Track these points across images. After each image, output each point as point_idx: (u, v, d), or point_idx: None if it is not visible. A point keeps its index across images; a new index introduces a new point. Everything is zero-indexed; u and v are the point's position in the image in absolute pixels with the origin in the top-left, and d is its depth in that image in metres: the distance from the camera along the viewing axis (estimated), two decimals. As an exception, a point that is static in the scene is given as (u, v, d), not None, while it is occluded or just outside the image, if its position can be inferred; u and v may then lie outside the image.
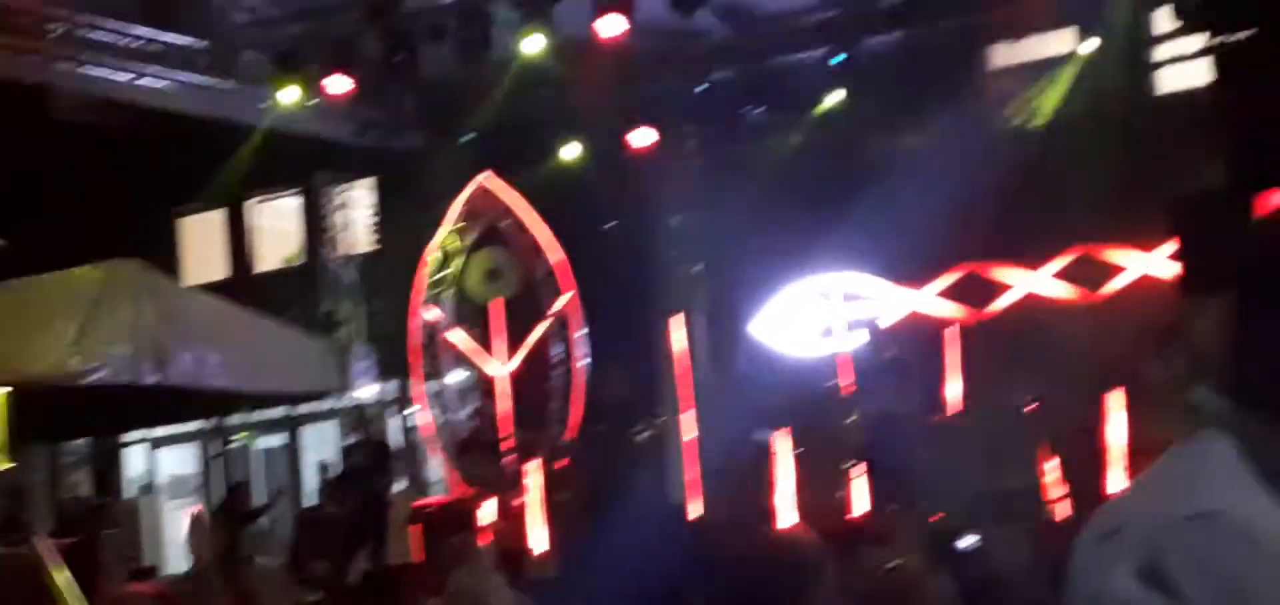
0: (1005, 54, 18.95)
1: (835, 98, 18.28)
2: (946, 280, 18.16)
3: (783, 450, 14.16)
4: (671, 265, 19.85)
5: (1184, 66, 17.67)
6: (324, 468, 20.06)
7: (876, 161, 18.59)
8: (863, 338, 15.69)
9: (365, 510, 16.10)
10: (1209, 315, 13.81)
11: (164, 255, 23.81)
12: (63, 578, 13.74)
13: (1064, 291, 17.79)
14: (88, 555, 15.62)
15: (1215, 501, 2.10)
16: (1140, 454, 13.75)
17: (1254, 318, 2.17)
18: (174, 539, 23.88)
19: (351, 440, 17.85)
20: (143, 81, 17.73)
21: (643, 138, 18.80)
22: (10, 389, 15.61)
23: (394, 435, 22.15)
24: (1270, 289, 2.16)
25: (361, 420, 17.49)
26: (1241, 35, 13.62)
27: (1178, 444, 2.26)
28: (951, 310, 17.97)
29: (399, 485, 19.38)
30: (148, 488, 26.09)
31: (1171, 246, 14.93)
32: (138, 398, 18.33)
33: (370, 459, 16.27)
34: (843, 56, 17.94)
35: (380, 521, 16.15)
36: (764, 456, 14.55)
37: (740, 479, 15.23)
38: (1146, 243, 16.94)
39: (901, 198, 17.35)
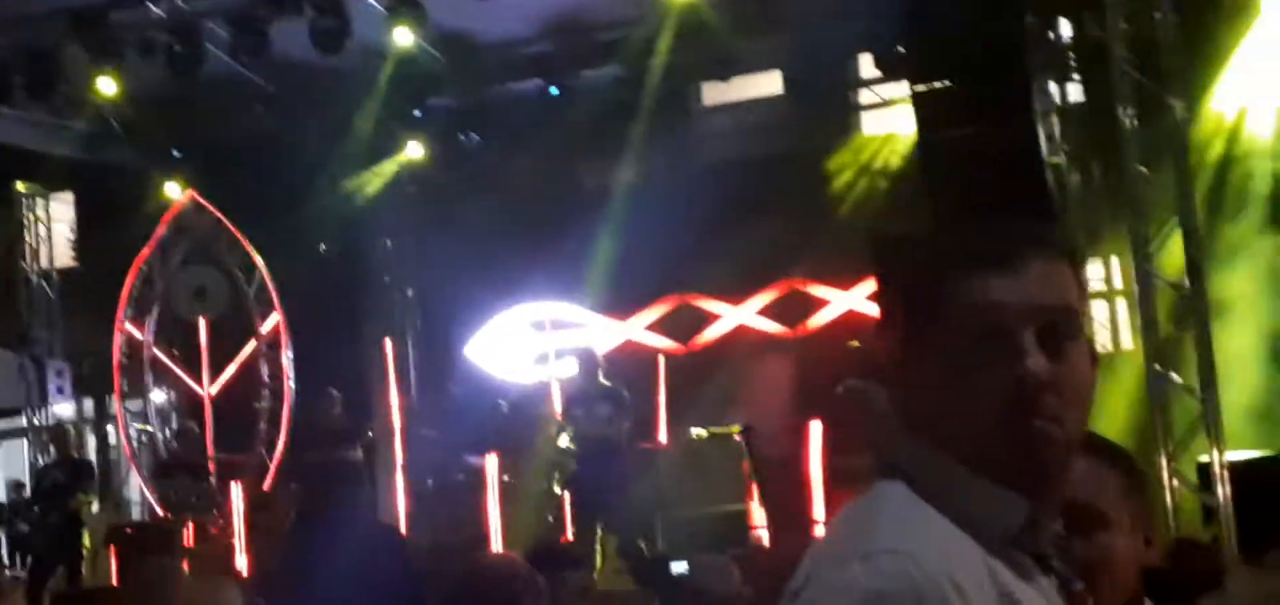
0: (716, 92, 19.35)
1: (550, 128, 18.43)
2: (657, 311, 18.48)
3: (492, 474, 14.29)
4: (385, 288, 19.76)
5: (886, 112, 18.37)
6: (17, 486, 19.42)
7: (591, 192, 18.84)
8: (574, 365, 15.86)
9: (60, 530, 15.63)
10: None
11: None
12: None
13: (770, 325, 18.25)
14: None
15: (881, 542, 2.12)
16: (839, 483, 14.23)
17: (911, 345, 2.24)
18: None
19: (49, 458, 17.28)
20: None
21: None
22: None
23: (92, 454, 21.58)
24: (922, 311, 2.22)
25: (59, 437, 16.94)
26: (937, 85, 14.22)
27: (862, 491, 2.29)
28: (661, 341, 18.29)
29: (95, 505, 18.87)
30: None
31: (871, 285, 15.49)
32: None
33: (67, 477, 15.79)
34: (557, 89, 18.12)
35: (75, 542, 15.70)
36: (475, 480, 14.70)
37: (450, 502, 15.33)
38: (848, 280, 17.49)
39: (614, 229, 17.66)
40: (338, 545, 7.37)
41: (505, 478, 14.76)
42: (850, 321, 17.43)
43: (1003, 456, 2.14)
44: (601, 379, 14.81)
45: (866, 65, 17.99)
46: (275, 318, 18.83)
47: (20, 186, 20.25)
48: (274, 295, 18.84)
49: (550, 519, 15.58)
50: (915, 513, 2.16)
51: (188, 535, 15.62)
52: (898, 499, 2.20)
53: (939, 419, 2.19)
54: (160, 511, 17.07)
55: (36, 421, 19.58)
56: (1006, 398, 2.13)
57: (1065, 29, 16.35)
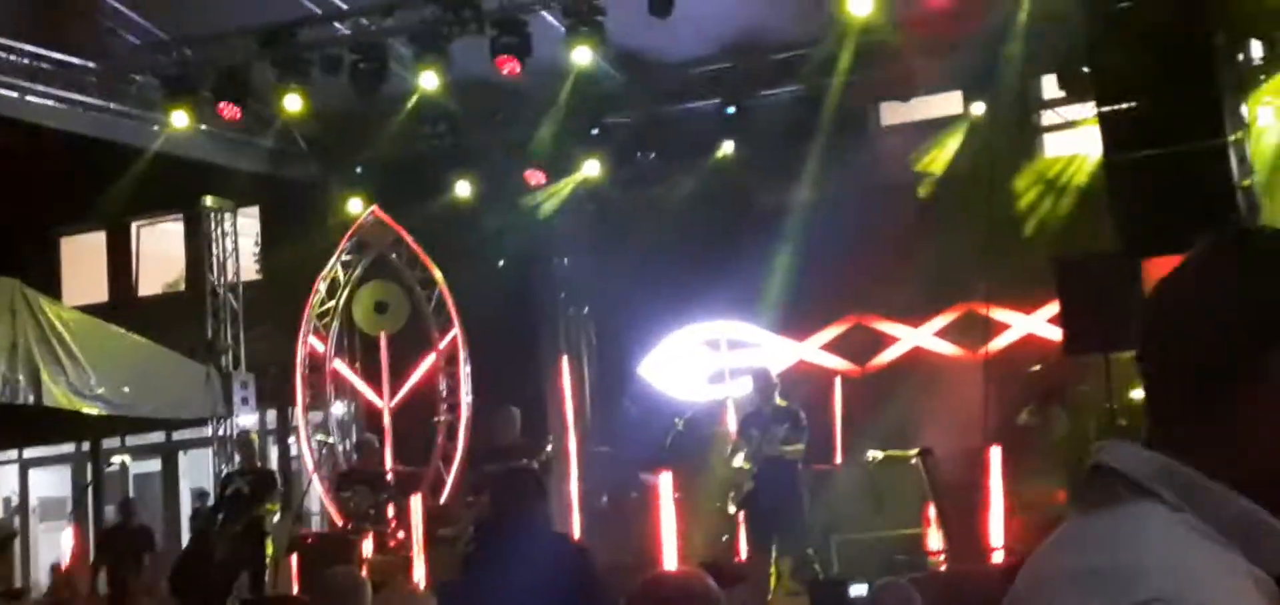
0: (895, 112, 19.22)
1: (726, 148, 18.43)
2: (833, 332, 18.36)
3: (667, 492, 14.28)
4: (560, 305, 19.88)
5: (1069, 133, 18.06)
6: (202, 495, 19.84)
7: (766, 213, 18.77)
8: (750, 384, 15.78)
9: (243, 538, 15.92)
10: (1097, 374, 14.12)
11: (45, 275, 23.46)
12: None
13: (948, 348, 18.04)
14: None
15: (1155, 587, 1.91)
16: (1022, 507, 14.01)
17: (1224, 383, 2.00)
18: (45, 561, 23.54)
19: (233, 467, 17.64)
20: (30, 99, 17.48)
21: (537, 176, 18.87)
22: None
23: (274, 464, 22.02)
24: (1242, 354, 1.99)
25: (245, 447, 17.28)
26: (1123, 106, 13.92)
27: (1093, 507, 2.06)
28: (837, 362, 18.17)
29: (278, 515, 19.23)
30: (18, 508, 25.64)
31: (1054, 308, 15.21)
32: (11, 416, 18.07)
33: (251, 486, 16.09)
34: (734, 108, 18.11)
35: (258, 550, 15.99)
36: (649, 497, 14.71)
37: (624, 519, 15.37)
38: (1031, 303, 17.23)
39: (790, 249, 17.56)
40: (520, 557, 7.39)
41: (679, 496, 14.74)
42: (1032, 344, 17.17)
43: None
44: (777, 399, 14.73)
45: (1050, 85, 17.72)
46: (454, 333, 19.05)
47: (208, 201, 20.72)
48: (453, 311, 19.05)
49: (724, 539, 15.55)
50: (1186, 546, 1.96)
51: (366, 546, 15.84)
52: (1157, 524, 1.99)
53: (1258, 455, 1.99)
54: (340, 522, 17.33)
55: (222, 431, 19.99)
56: None
57: (1256, 49, 15.95)
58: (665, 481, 14.28)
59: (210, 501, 18.00)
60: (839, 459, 16.23)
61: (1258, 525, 1.97)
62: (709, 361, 18.67)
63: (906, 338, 18.24)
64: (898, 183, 18.27)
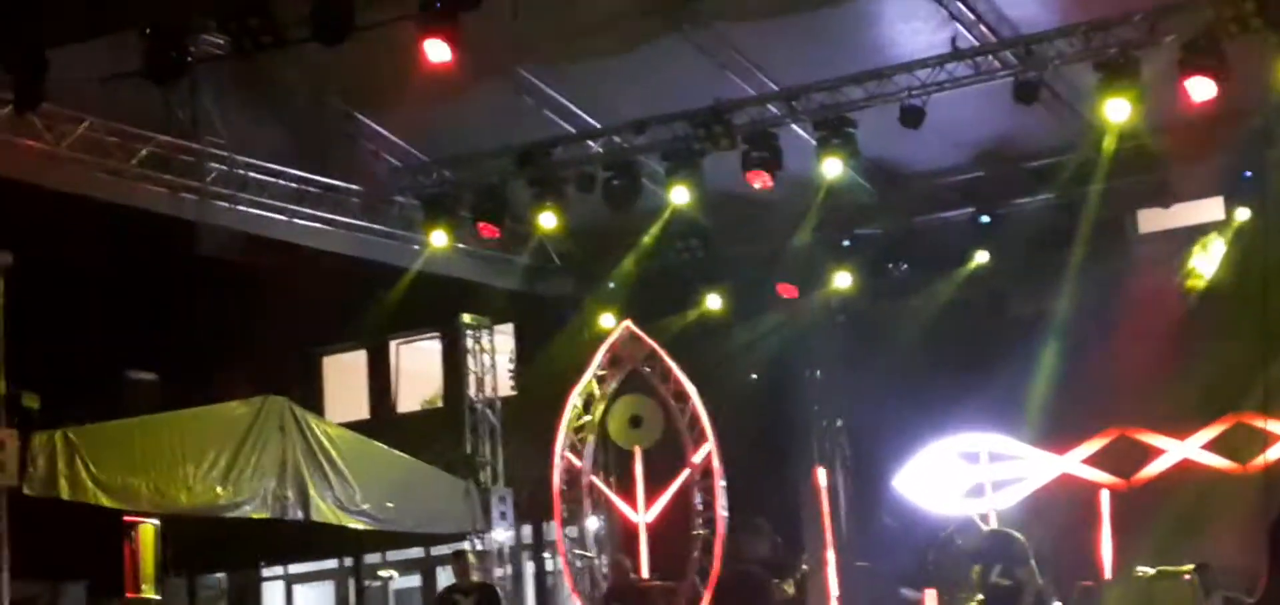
0: (1154, 219, 18.79)
1: (980, 257, 18.19)
2: (1095, 444, 17.89)
3: (931, 606, 14.02)
4: (814, 418, 19.76)
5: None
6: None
7: (1023, 321, 18.47)
8: (1010, 499, 15.43)
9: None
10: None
11: (308, 392, 24.11)
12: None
13: (1218, 460, 17.43)
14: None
15: None
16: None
17: None
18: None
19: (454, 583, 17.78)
20: (296, 222, 18.06)
21: (788, 290, 18.85)
22: (157, 521, 15.80)
23: (530, 580, 22.26)
24: None
25: (459, 562, 17.43)
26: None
27: None
28: (1100, 475, 17.69)
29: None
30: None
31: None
32: (278, 532, 18.54)
33: (476, 598, 16.27)
34: (988, 217, 17.89)
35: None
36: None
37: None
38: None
39: (1048, 359, 17.22)
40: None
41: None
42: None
43: None
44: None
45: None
46: (708, 447, 19.04)
47: (465, 318, 21.10)
48: (706, 424, 19.07)
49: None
50: None
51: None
52: None
53: None
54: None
55: (479, 546, 20.24)
56: None
57: None
58: (930, 600, 14.01)
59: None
60: (1108, 575, 15.78)
61: None
62: (967, 475, 18.32)
63: (1173, 450, 17.67)
64: (1159, 290, 17.85)
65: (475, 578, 17.68)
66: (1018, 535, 14.08)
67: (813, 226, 18.61)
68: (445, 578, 24.00)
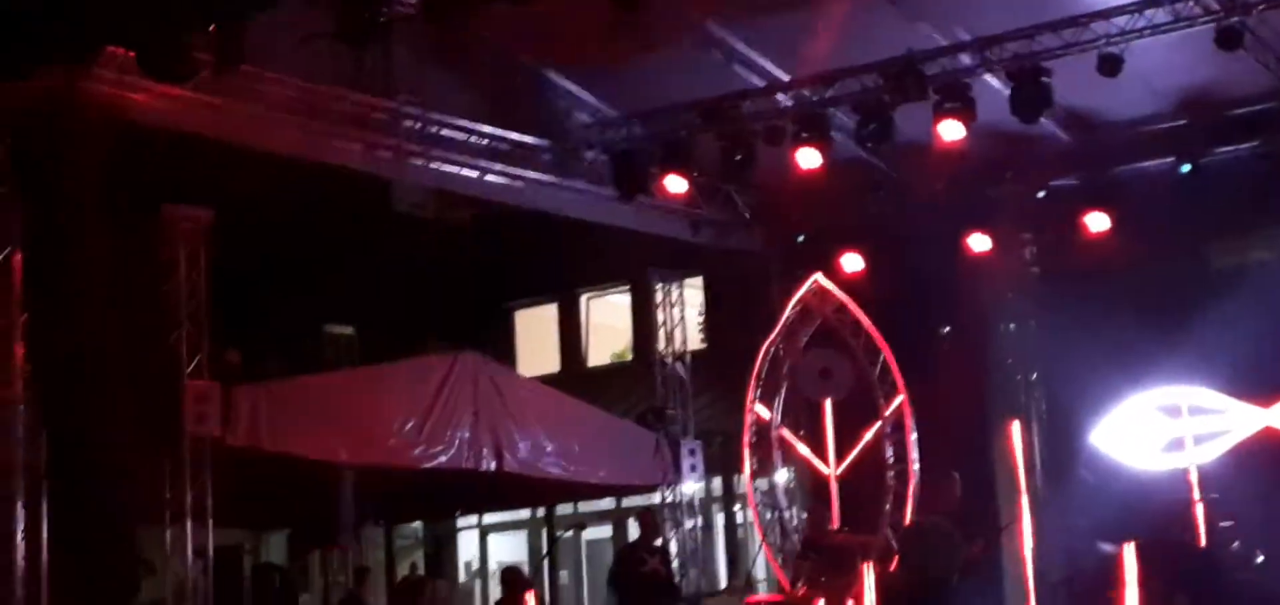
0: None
1: (1180, 207, 17.75)
2: (1301, 397, 17.39)
3: (1130, 564, 13.75)
4: (1007, 371, 19.48)
5: None
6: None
7: (1225, 273, 18.01)
8: (1212, 452, 15.05)
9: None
10: None
11: (500, 346, 24.43)
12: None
13: None
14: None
15: None
16: None
17: None
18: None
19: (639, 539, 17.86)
20: (488, 178, 18.25)
21: (980, 242, 18.58)
22: (356, 472, 16.15)
23: (721, 532, 22.35)
24: None
25: (649, 521, 17.53)
26: None
27: None
28: (1304, 429, 17.21)
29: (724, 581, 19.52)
30: (478, 573, 26.65)
31: None
32: (472, 483, 18.84)
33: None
34: (1189, 166, 17.46)
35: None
36: (1111, 569, 14.18)
37: (1087, 591, 14.86)
38: None
39: (1251, 311, 16.74)
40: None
41: (1143, 569, 14.12)
42: None
43: None
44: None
45: None
46: (900, 399, 18.91)
47: (654, 272, 21.13)
48: (898, 377, 18.92)
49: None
50: None
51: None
52: None
53: None
54: (789, 590, 17.41)
55: (670, 498, 20.34)
56: None
57: None
58: (1129, 552, 13.71)
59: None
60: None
61: None
62: (1166, 428, 17.91)
63: (1383, 403, 17.10)
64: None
65: (659, 541, 17.86)
66: None
67: (1009, 177, 18.39)
68: (635, 531, 24.26)
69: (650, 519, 17.81)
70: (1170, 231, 17.98)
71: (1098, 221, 18.01)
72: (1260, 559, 15.06)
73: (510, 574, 18.97)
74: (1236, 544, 14.90)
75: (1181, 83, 17.00)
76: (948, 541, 7.67)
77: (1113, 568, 13.89)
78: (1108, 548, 14.19)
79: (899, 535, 17.04)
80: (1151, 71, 16.16)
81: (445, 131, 17.65)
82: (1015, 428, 17.46)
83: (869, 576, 15.67)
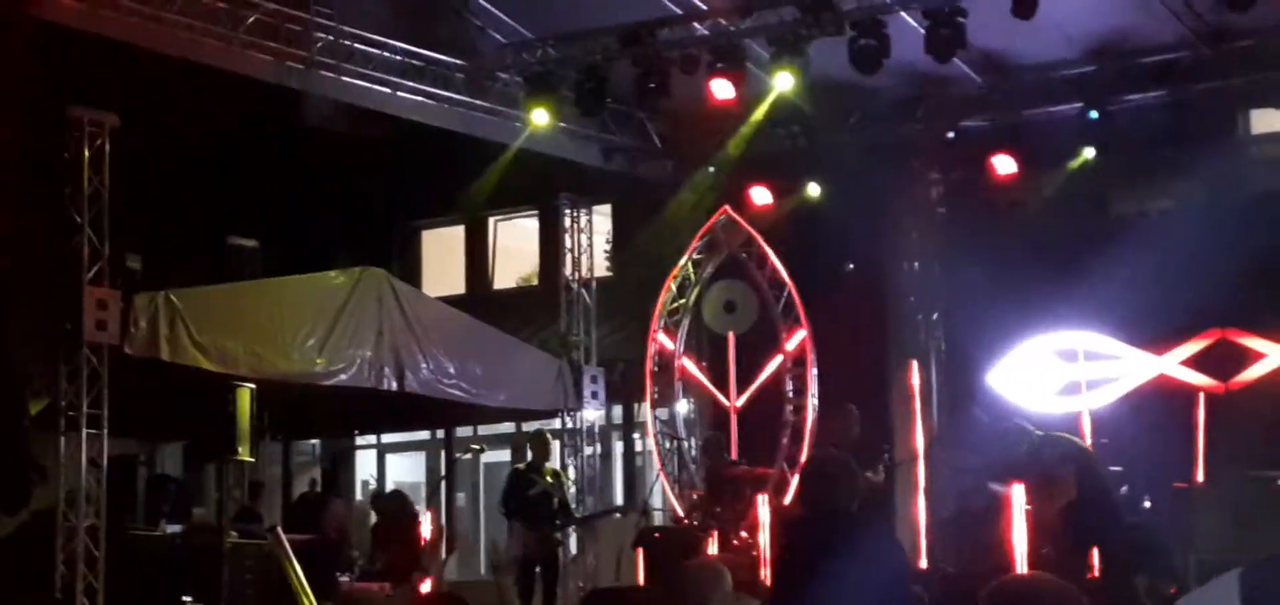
0: (1267, 120, 18.46)
1: (1087, 154, 17.94)
2: (1194, 346, 17.66)
3: (1017, 503, 13.93)
4: (908, 309, 19.65)
5: None
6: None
7: (1126, 220, 18.25)
8: (1107, 396, 15.29)
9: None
10: None
11: (406, 265, 24.33)
12: (296, 570, 14.09)
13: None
14: (321, 552, 15.98)
15: None
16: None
17: None
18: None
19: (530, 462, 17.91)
20: (400, 95, 18.14)
21: (889, 181, 18.71)
22: (254, 385, 16.00)
23: (618, 459, 22.41)
24: None
25: (541, 445, 17.60)
26: None
27: None
28: (1198, 377, 17.47)
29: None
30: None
31: None
32: (373, 403, 18.75)
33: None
34: (1096, 113, 17.63)
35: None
36: (998, 508, 14.37)
37: (973, 529, 15.05)
38: None
39: (1150, 259, 16.95)
40: (854, 565, 7.26)
41: (1029, 508, 14.35)
42: None
43: None
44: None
45: None
46: (802, 334, 19.02)
47: (563, 197, 21.09)
48: (801, 312, 19.03)
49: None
50: None
51: (711, 544, 15.90)
52: None
53: None
54: (684, 519, 17.51)
55: (571, 424, 20.36)
56: None
57: None
58: (1017, 493, 13.92)
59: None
60: (1200, 477, 15.61)
61: None
62: (1062, 372, 18.15)
63: (1274, 355, 17.40)
64: (1267, 193, 17.52)
65: (551, 464, 17.88)
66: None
67: (916, 118, 18.50)
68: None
69: (542, 442, 17.80)
70: (1074, 177, 18.19)
71: (1005, 164, 18.20)
72: (1147, 504, 15.30)
73: (390, 503, 18.97)
74: (1125, 488, 15.10)
75: (1094, 29, 17.19)
76: (846, 471, 7.76)
77: (1002, 506, 14.06)
78: (997, 488, 14.35)
79: (798, 467, 17.24)
80: (1065, 18, 16.31)
81: (358, 46, 17.54)
82: (914, 366, 17.64)
83: (764, 508, 15.80)
